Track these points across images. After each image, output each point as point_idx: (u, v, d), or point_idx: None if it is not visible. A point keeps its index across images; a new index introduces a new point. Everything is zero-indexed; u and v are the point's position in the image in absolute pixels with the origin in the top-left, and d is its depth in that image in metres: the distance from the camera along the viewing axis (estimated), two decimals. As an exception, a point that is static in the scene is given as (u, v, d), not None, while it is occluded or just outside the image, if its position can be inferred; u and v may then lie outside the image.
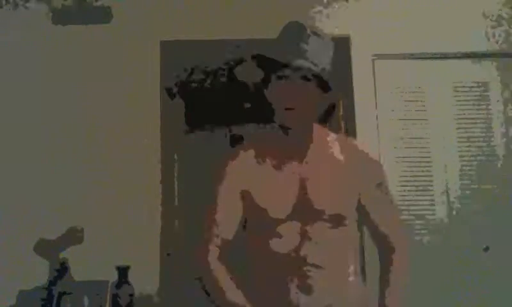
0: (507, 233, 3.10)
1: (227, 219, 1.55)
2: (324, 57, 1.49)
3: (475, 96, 3.29)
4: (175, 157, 3.62)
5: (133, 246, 2.90)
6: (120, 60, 3.16)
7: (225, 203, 1.56)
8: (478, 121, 3.26)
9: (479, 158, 3.22)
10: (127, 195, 3.02)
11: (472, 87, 3.30)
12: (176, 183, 3.71)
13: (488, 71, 3.32)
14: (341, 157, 1.58)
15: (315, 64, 1.45)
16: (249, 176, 1.55)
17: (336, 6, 3.30)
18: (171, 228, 3.26)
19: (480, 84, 3.30)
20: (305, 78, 1.46)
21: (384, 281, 1.57)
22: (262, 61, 1.53)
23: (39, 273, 2.82)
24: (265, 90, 1.55)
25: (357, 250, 1.62)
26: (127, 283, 2.76)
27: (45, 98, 3.12)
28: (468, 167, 3.20)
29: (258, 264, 1.55)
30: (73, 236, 2.93)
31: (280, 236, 1.50)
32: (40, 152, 3.05)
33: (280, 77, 1.48)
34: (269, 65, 1.50)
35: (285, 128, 1.54)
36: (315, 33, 1.49)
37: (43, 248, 2.89)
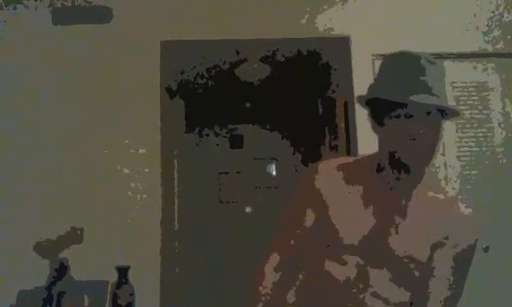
0: (507, 233, 3.10)
1: (301, 226, 1.52)
2: (442, 84, 1.44)
3: (475, 96, 3.29)
4: (175, 157, 3.62)
5: (133, 246, 2.90)
6: (120, 60, 3.16)
7: (301, 211, 1.52)
8: (478, 121, 3.26)
9: (479, 158, 3.22)
10: (127, 195, 3.02)
11: (471, 87, 3.30)
12: (176, 183, 3.71)
13: (487, 71, 3.31)
14: (435, 212, 1.51)
15: (437, 96, 1.39)
16: (331, 193, 1.49)
17: (336, 6, 3.30)
18: (171, 228, 3.26)
19: (479, 84, 3.30)
20: (428, 112, 1.38)
21: None
22: (377, 105, 1.42)
23: (39, 273, 2.81)
24: (379, 128, 1.44)
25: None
26: (127, 283, 2.76)
27: (45, 98, 3.12)
28: (468, 167, 3.20)
29: (312, 281, 1.51)
30: (73, 236, 2.93)
31: (342, 263, 1.44)
32: (39, 152, 3.05)
33: (399, 116, 1.38)
34: (386, 106, 1.39)
35: (405, 167, 1.42)
36: (430, 61, 1.41)
37: (43, 248, 2.89)
